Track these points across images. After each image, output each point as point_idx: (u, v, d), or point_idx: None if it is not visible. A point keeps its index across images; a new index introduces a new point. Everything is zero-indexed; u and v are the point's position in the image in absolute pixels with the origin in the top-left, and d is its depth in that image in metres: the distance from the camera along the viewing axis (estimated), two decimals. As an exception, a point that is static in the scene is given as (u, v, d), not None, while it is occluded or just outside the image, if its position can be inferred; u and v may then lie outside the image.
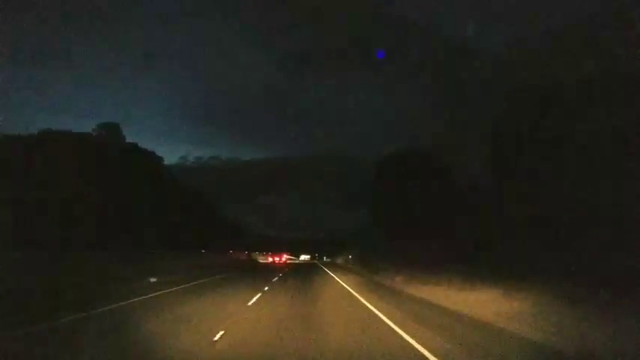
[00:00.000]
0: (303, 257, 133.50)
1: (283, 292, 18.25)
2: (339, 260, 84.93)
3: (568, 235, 13.51)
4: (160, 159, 57.41)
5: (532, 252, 14.70)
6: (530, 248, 15.04)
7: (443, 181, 31.99)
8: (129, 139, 52.38)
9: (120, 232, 37.08)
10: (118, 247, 33.58)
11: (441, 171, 32.90)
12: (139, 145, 51.87)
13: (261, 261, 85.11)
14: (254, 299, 14.89)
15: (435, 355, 6.96)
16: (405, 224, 32.69)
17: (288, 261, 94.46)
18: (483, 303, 11.83)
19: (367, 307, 13.66)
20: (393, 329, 9.42)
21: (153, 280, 21.80)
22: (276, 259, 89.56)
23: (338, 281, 25.99)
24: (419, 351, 7.34)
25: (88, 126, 67.91)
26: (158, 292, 16.86)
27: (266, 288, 19.80)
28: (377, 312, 12.27)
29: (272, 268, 48.61)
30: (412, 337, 8.42)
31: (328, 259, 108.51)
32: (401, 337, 8.59)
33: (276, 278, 26.49)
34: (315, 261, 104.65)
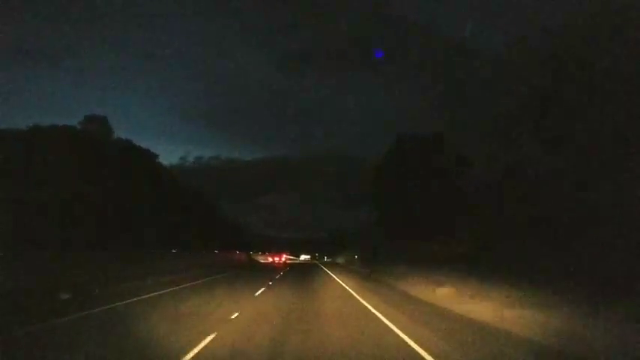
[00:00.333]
0: (303, 257, 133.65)
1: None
2: (340, 260, 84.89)
3: (568, 235, 13.51)
4: (155, 156, 56.51)
5: (532, 252, 14.71)
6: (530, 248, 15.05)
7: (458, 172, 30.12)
8: (129, 139, 52.28)
9: (120, 232, 37.07)
10: (118, 246, 33.59)
11: (459, 160, 30.72)
12: (134, 142, 51.24)
13: (261, 261, 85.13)
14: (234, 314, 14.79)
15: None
16: (411, 223, 31.27)
17: (288, 261, 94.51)
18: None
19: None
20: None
21: (153, 279, 21.80)
22: (276, 259, 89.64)
23: (357, 298, 21.56)
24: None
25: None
26: (158, 292, 16.88)
27: (263, 288, 19.80)
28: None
29: (271, 269, 48.57)
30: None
31: (329, 259, 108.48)
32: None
33: (271, 281, 25.57)
34: (316, 261, 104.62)
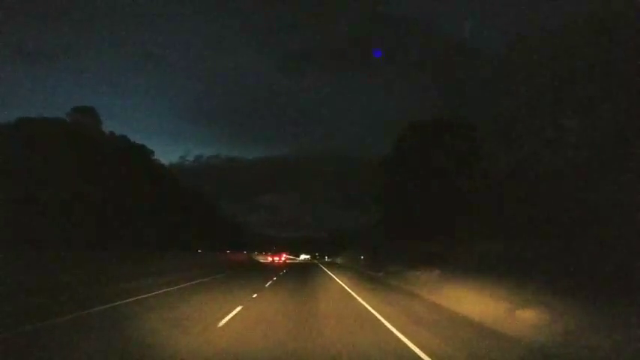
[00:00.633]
0: (303, 257, 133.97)
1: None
2: (339, 260, 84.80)
3: (568, 235, 13.49)
4: (151, 152, 56.11)
5: (532, 252, 14.68)
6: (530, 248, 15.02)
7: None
8: (124, 135, 51.94)
9: (120, 232, 37.09)
10: (118, 246, 33.61)
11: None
12: (129, 138, 50.69)
13: (261, 261, 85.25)
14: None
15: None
16: (422, 220, 27.69)
17: (288, 261, 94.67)
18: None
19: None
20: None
21: (153, 279, 21.81)
22: (276, 258, 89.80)
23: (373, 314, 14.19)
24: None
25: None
26: (159, 291, 16.89)
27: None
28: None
29: (271, 268, 48.59)
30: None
31: (329, 259, 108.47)
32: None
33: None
34: (316, 261, 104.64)
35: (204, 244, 61.18)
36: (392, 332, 9.11)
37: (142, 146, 53.15)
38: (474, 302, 12.17)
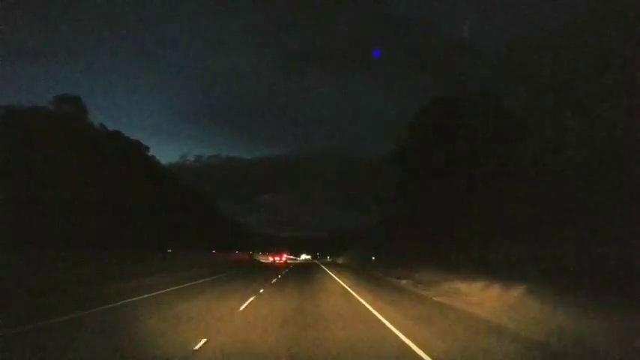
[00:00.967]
0: (304, 257, 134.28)
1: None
2: (340, 260, 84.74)
3: (568, 235, 13.49)
4: (146, 148, 55.55)
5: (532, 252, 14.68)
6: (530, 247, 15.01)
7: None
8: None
9: (120, 232, 37.10)
10: (118, 246, 33.60)
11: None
12: (123, 133, 49.59)
13: (262, 261, 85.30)
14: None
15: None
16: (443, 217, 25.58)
17: (289, 261, 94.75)
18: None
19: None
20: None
21: (152, 279, 21.79)
22: (277, 258, 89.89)
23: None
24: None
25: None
26: (158, 292, 16.87)
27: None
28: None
29: (272, 268, 48.56)
30: None
31: (330, 260, 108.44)
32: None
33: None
34: (316, 261, 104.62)
35: (204, 244, 61.17)
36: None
37: (137, 142, 52.66)
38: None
